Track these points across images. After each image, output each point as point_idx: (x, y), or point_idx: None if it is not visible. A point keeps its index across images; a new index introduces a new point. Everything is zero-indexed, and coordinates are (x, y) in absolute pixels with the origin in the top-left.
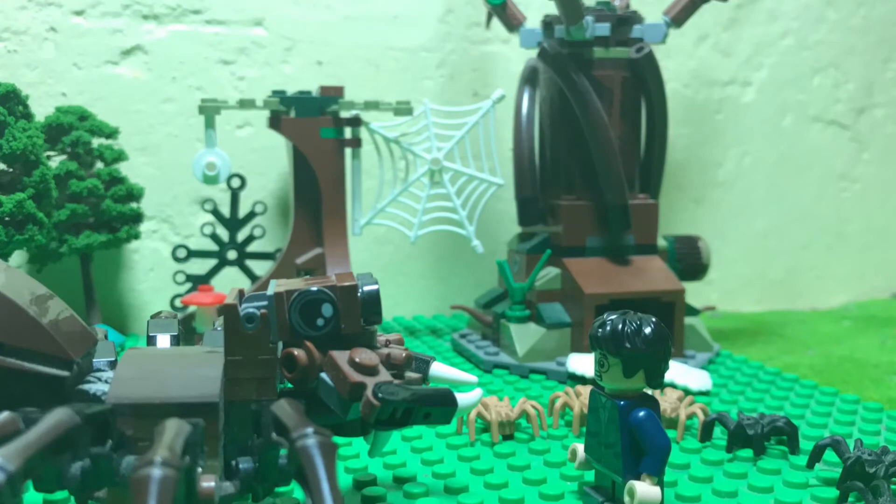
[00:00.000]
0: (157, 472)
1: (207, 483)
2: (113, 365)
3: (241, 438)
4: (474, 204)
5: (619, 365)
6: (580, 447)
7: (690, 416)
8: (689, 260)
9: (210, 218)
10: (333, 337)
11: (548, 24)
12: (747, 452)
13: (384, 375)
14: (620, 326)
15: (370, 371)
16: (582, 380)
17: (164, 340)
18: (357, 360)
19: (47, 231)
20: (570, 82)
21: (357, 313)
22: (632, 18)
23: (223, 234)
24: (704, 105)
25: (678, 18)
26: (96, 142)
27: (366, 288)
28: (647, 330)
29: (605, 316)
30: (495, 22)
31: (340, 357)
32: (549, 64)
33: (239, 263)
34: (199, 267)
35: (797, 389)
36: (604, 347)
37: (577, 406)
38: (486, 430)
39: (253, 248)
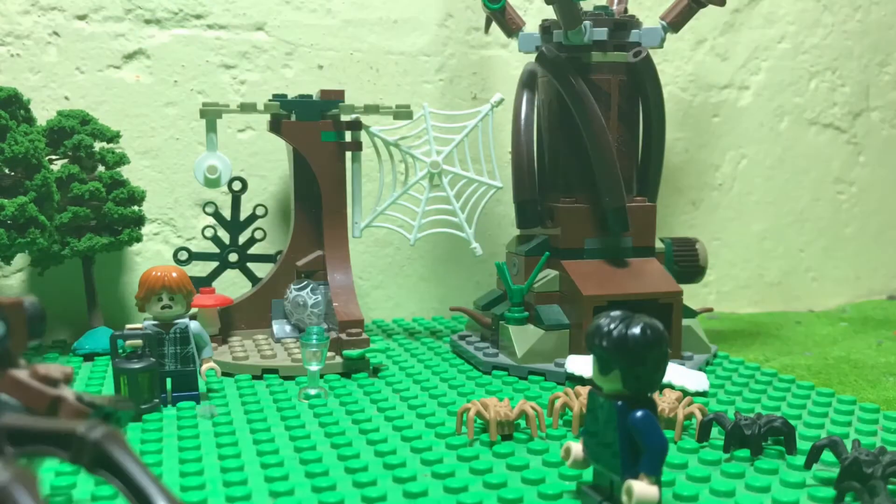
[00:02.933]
0: None
1: None
2: None
3: None
4: (473, 207)
5: (596, 361)
6: (573, 445)
7: (689, 417)
8: (687, 262)
9: (211, 221)
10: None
11: (546, 28)
12: (745, 452)
13: (64, 387)
14: (604, 325)
15: (56, 383)
16: (580, 381)
17: None
18: (43, 374)
19: (49, 234)
20: (569, 86)
21: (25, 330)
22: (629, 23)
23: (224, 236)
24: (702, 108)
25: (675, 23)
26: (98, 145)
27: (28, 303)
28: (631, 332)
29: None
30: (495, 26)
31: (22, 375)
32: (547, 68)
33: (240, 266)
34: (201, 269)
35: (794, 390)
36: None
37: (576, 406)
38: (485, 431)
39: (254, 250)
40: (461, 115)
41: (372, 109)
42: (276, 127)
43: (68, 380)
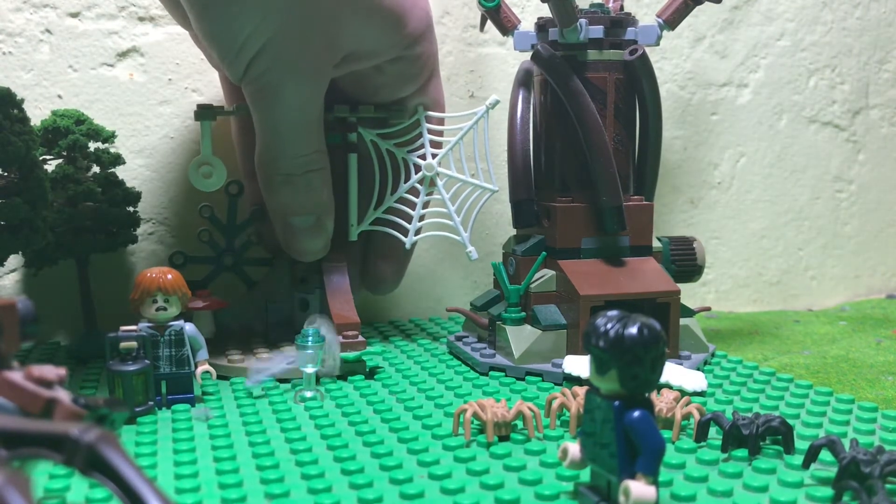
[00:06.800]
0: None
1: None
2: None
3: None
4: (469, 210)
5: (593, 362)
6: (571, 446)
7: (686, 416)
8: (685, 261)
9: (207, 224)
10: None
11: (541, 26)
12: (742, 452)
13: (58, 389)
14: (601, 324)
15: (51, 385)
16: (577, 381)
17: None
18: (37, 375)
19: (43, 235)
20: (564, 85)
21: (18, 331)
22: (625, 21)
23: (220, 239)
24: (700, 106)
25: (671, 20)
26: (93, 145)
27: (21, 304)
28: (628, 331)
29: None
30: (490, 24)
31: (16, 376)
32: (542, 66)
33: (236, 269)
34: (197, 272)
35: (792, 390)
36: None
37: (573, 407)
38: (482, 432)
39: (250, 254)
40: (457, 116)
41: (366, 110)
42: None
43: (62, 381)
